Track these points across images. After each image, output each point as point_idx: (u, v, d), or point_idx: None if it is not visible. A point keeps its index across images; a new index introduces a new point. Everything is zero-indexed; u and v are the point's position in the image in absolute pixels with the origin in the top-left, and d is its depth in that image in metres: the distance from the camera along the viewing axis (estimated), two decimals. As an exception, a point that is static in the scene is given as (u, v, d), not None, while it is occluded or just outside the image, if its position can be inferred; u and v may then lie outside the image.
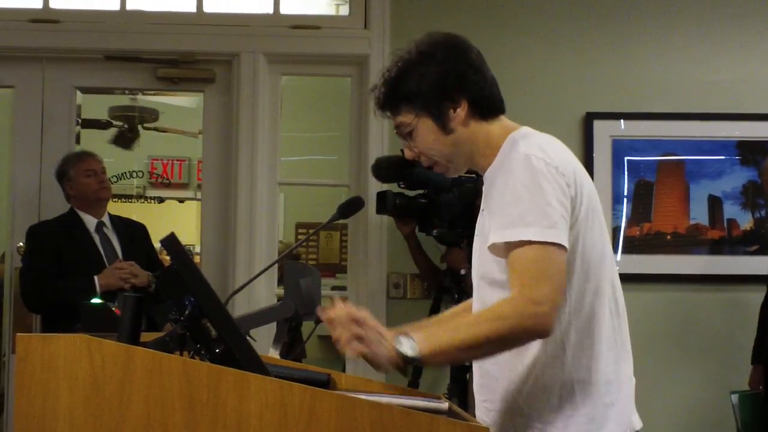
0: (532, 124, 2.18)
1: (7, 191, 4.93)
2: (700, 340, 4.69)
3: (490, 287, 2.10)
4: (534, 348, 2.03)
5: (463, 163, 2.17)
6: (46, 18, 4.71)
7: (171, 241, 1.82)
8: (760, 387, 4.45)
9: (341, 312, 1.91)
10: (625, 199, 4.70)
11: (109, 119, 7.58)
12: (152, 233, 4.60)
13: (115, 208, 4.89)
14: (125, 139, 7.67)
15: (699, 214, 4.71)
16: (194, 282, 1.83)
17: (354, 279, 4.75)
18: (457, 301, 4.10)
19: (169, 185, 8.73)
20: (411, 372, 4.00)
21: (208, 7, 4.79)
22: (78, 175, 4.40)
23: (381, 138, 4.61)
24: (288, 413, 1.70)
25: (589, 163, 4.61)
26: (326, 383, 2.21)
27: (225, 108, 4.77)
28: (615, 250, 4.58)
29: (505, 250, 1.99)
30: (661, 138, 4.71)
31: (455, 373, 4.03)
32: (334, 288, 6.38)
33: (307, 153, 7.36)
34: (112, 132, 7.68)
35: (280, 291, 4.02)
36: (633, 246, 4.68)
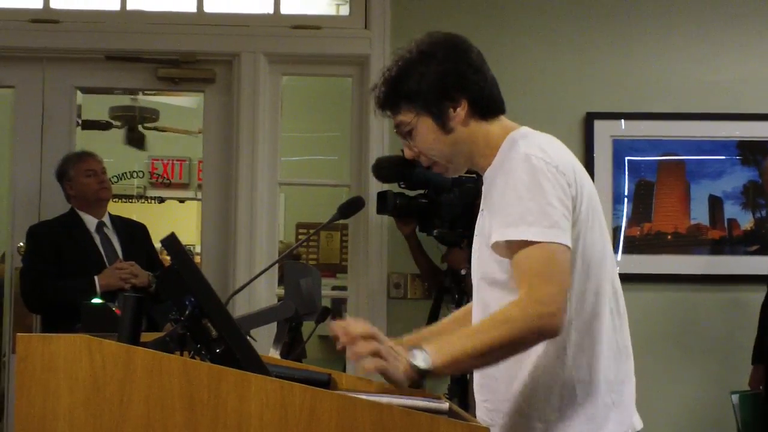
0: (532, 124, 2.18)
1: (8, 191, 4.93)
2: (701, 340, 4.69)
3: (491, 287, 2.10)
4: (534, 348, 2.03)
5: (462, 164, 2.17)
6: (46, 18, 4.71)
7: (171, 241, 1.82)
8: (761, 387, 4.44)
9: (355, 329, 1.90)
10: (626, 199, 4.70)
11: (109, 119, 7.58)
12: (152, 233, 4.60)
13: (115, 208, 4.89)
14: (136, 140, 7.67)
15: (699, 214, 4.70)
16: (195, 282, 1.83)
17: (354, 279, 4.75)
18: (458, 301, 4.11)
19: (169, 185, 8.72)
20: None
21: (209, 7, 4.79)
22: (78, 175, 4.40)
23: (381, 138, 4.61)
24: (288, 413, 1.70)
25: (589, 163, 4.61)
26: (327, 383, 2.21)
27: (225, 108, 4.77)
28: (615, 250, 4.58)
29: (507, 249, 1.99)
30: (662, 138, 4.71)
31: (455, 374, 4.03)
32: (334, 288, 6.38)
33: (308, 153, 7.35)
34: (121, 133, 7.68)
35: (281, 291, 4.02)
36: (633, 246, 4.68)
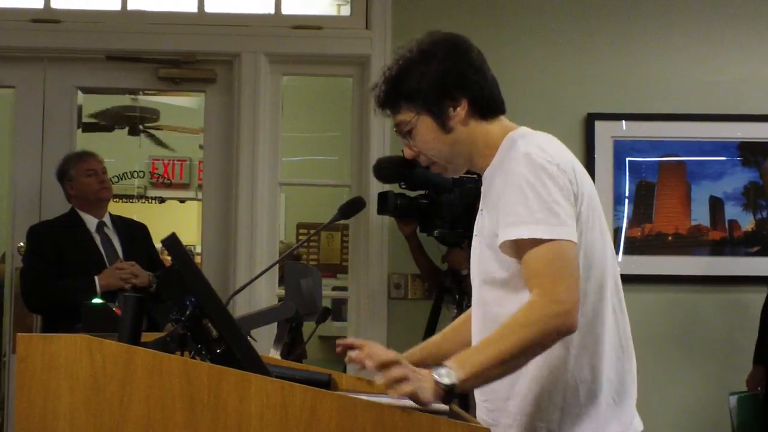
0: (533, 124, 2.18)
1: (8, 191, 4.93)
2: (701, 341, 4.69)
3: (490, 287, 2.10)
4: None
5: (462, 164, 2.17)
6: (47, 18, 4.71)
7: (172, 241, 1.82)
8: (759, 388, 4.44)
9: (380, 356, 1.88)
10: (627, 200, 4.70)
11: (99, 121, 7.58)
12: (153, 233, 4.60)
13: (116, 208, 4.89)
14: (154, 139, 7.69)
15: (700, 215, 4.70)
16: (195, 282, 1.83)
17: (355, 279, 4.75)
18: (458, 302, 4.11)
19: (170, 185, 8.73)
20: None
21: (210, 7, 4.79)
22: (79, 174, 4.39)
23: (382, 138, 4.61)
24: (289, 414, 1.70)
25: (590, 164, 4.61)
26: (327, 384, 2.21)
27: (226, 108, 4.77)
28: (616, 251, 4.57)
29: (513, 248, 2.00)
30: (663, 139, 4.71)
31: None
32: (335, 288, 6.39)
33: (309, 153, 7.36)
34: (122, 133, 7.70)
35: (281, 291, 4.02)
36: (634, 247, 4.68)
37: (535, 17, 4.75)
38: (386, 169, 4.23)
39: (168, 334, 1.87)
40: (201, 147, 5.08)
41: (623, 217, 4.69)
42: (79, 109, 4.91)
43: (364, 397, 1.85)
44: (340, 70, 4.88)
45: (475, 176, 2.20)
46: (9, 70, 4.75)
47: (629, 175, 4.70)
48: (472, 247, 2.20)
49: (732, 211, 4.71)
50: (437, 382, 1.83)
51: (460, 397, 3.51)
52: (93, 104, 7.06)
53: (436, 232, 4.22)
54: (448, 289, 4.26)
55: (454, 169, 2.20)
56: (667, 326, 4.68)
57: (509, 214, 1.99)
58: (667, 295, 4.70)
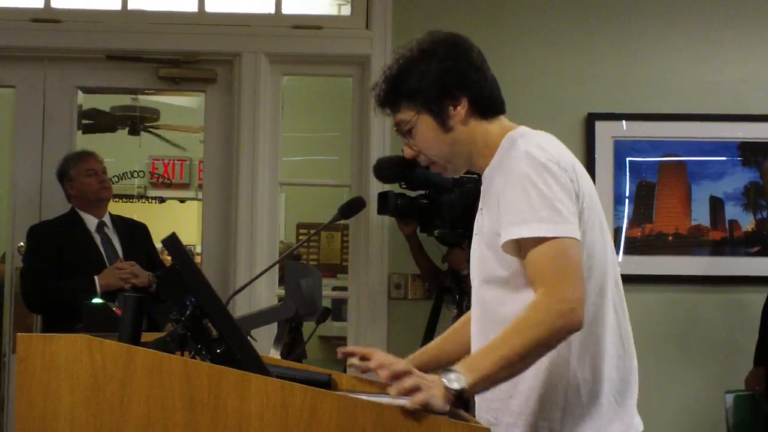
0: (533, 124, 2.19)
1: (8, 191, 4.93)
2: (702, 341, 4.69)
3: (489, 286, 2.10)
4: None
5: (462, 163, 2.18)
6: (47, 17, 4.71)
7: (172, 241, 1.82)
8: (756, 388, 4.44)
9: (391, 366, 1.87)
10: (627, 200, 4.70)
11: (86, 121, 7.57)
12: (153, 233, 4.60)
13: (116, 208, 4.89)
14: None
15: (700, 215, 4.70)
16: (195, 282, 1.83)
17: (355, 279, 4.75)
18: (458, 302, 4.11)
19: (170, 185, 8.74)
20: None
21: (210, 7, 4.79)
22: (79, 174, 4.39)
23: (382, 138, 4.61)
24: (289, 414, 1.69)
25: (590, 164, 4.61)
26: (327, 384, 2.21)
27: (226, 108, 4.77)
28: (616, 251, 4.56)
29: (515, 247, 2.00)
30: (663, 139, 4.71)
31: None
32: (335, 288, 6.39)
33: (309, 153, 7.36)
34: (122, 132, 7.70)
35: (281, 291, 4.02)
36: (634, 247, 4.68)
37: (535, 17, 4.75)
38: (386, 169, 4.23)
39: (168, 334, 1.87)
40: (201, 141, 5.08)
41: (623, 217, 4.69)
42: (80, 108, 4.91)
43: (364, 397, 1.85)
44: (341, 70, 4.88)
45: (475, 176, 2.20)
46: (9, 70, 4.75)
47: (629, 175, 4.70)
48: (471, 247, 2.20)
49: (732, 211, 4.71)
50: (447, 388, 1.83)
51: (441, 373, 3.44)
52: (93, 104, 7.07)
53: (436, 232, 4.22)
54: (449, 289, 4.26)
55: (454, 169, 2.20)
56: (668, 326, 4.68)
57: (511, 213, 1.99)
58: (667, 295, 4.70)
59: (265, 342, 2.73)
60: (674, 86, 4.74)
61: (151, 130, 7.88)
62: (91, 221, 4.39)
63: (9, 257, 4.77)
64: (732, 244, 4.70)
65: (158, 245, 4.46)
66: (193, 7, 4.79)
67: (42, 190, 4.70)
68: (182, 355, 1.83)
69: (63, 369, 1.72)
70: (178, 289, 1.82)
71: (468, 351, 2.18)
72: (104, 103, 7.51)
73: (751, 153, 4.72)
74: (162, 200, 8.75)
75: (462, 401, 1.85)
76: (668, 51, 4.76)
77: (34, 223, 4.47)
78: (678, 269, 4.67)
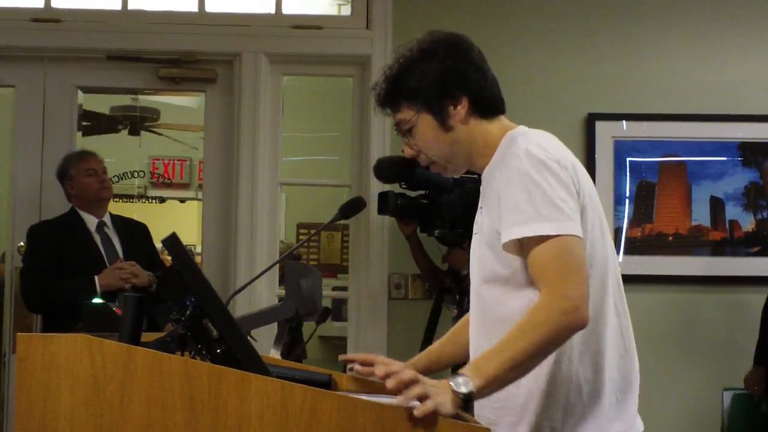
0: (533, 124, 2.19)
1: (8, 191, 4.93)
2: (702, 341, 4.69)
3: (490, 285, 2.10)
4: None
5: (461, 163, 2.18)
6: (47, 17, 4.71)
7: (172, 241, 1.82)
8: (755, 388, 4.44)
9: (400, 375, 1.86)
10: (627, 200, 4.70)
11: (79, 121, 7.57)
12: (153, 233, 4.60)
13: (116, 207, 4.89)
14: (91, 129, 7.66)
15: (701, 216, 4.70)
16: (195, 282, 1.83)
17: (355, 279, 4.75)
18: (458, 302, 4.11)
19: (170, 185, 8.74)
20: None
21: (210, 7, 4.79)
22: (79, 174, 4.39)
23: (383, 138, 4.61)
24: (289, 414, 1.69)
25: (590, 164, 4.61)
26: (327, 384, 2.21)
27: (226, 108, 4.77)
28: (617, 251, 4.57)
29: (517, 246, 2.00)
30: (663, 139, 4.70)
31: (457, 368, 4.02)
32: (335, 288, 6.39)
33: (309, 153, 7.36)
34: (122, 132, 7.70)
35: (281, 291, 4.02)
36: (635, 247, 4.68)
37: (535, 17, 4.75)
38: (386, 169, 4.23)
39: (168, 334, 1.87)
40: (202, 138, 5.08)
41: (624, 217, 4.69)
42: (80, 108, 4.91)
43: (364, 397, 1.84)
44: (341, 70, 4.88)
45: (475, 176, 2.20)
46: (9, 70, 4.75)
47: (630, 176, 4.70)
48: (471, 246, 2.20)
49: (732, 211, 4.71)
50: (455, 392, 1.83)
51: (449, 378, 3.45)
52: (93, 104, 7.07)
53: (436, 232, 4.22)
54: (449, 289, 4.26)
55: (454, 169, 2.20)
56: (668, 326, 4.68)
57: (513, 212, 1.99)
58: (667, 295, 4.70)
59: (265, 342, 2.73)
60: (674, 86, 4.74)
61: (153, 129, 7.88)
62: (91, 221, 4.39)
63: (9, 257, 4.77)
64: (732, 244, 4.70)
65: (158, 245, 4.45)
66: (193, 7, 4.79)
67: (42, 190, 4.70)
68: (182, 355, 1.83)
69: (63, 369, 1.71)
70: (178, 289, 1.82)
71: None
72: (104, 103, 7.51)
73: (751, 153, 4.72)
74: (162, 200, 8.75)
75: (470, 405, 1.85)
76: (668, 51, 4.75)
77: (34, 223, 4.47)
78: (678, 269, 4.67)
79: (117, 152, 7.74)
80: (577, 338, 2.02)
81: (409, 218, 4.32)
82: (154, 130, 7.92)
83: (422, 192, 4.30)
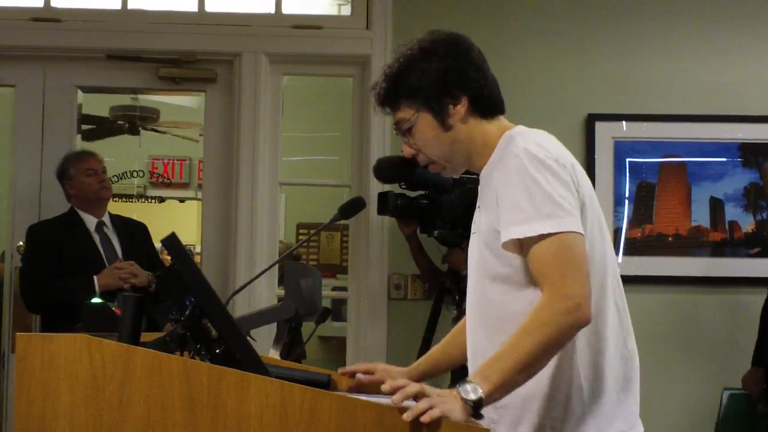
0: (533, 125, 2.18)
1: (8, 190, 4.93)
2: (702, 342, 4.69)
3: (492, 282, 2.09)
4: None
5: (461, 163, 2.18)
6: (47, 17, 4.71)
7: (172, 241, 1.82)
8: (754, 389, 4.44)
9: (406, 390, 1.84)
10: (627, 201, 4.69)
11: (110, 119, 7.60)
12: (153, 233, 4.59)
13: (115, 207, 4.89)
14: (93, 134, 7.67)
15: (700, 216, 4.70)
16: (195, 282, 1.83)
17: (355, 280, 4.75)
18: (458, 302, 4.11)
19: (169, 185, 8.73)
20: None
21: (210, 7, 4.79)
22: (78, 174, 4.39)
23: (383, 138, 4.61)
24: (288, 414, 1.69)
25: (590, 165, 4.61)
26: (327, 384, 2.21)
27: (226, 108, 4.77)
28: (616, 252, 4.57)
29: (517, 245, 2.00)
30: (663, 140, 4.70)
31: (456, 372, 4.02)
32: (334, 289, 6.39)
33: (309, 153, 7.36)
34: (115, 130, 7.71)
35: (281, 291, 4.02)
36: (634, 248, 4.68)
37: (535, 17, 4.75)
38: (386, 170, 4.23)
39: (167, 334, 1.87)
40: (201, 135, 5.07)
41: (623, 217, 4.69)
42: (80, 109, 4.90)
43: (363, 397, 1.84)
44: (341, 70, 4.88)
45: (475, 176, 2.20)
46: (9, 69, 4.75)
47: (629, 176, 4.69)
48: (469, 245, 2.20)
49: (732, 212, 4.71)
50: (465, 400, 1.82)
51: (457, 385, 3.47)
52: (93, 103, 7.06)
53: (436, 232, 4.22)
54: (448, 290, 4.26)
55: (453, 169, 2.20)
56: (668, 327, 4.68)
57: (512, 211, 1.99)
58: (667, 296, 4.70)
59: (264, 342, 2.74)
60: (674, 87, 4.74)
61: (155, 128, 7.88)
62: (90, 221, 4.38)
63: (8, 257, 4.77)
64: (732, 245, 4.70)
65: (158, 245, 4.45)
66: (193, 7, 4.79)
67: (42, 190, 4.70)
68: (182, 355, 1.83)
69: (62, 369, 1.71)
70: (178, 289, 1.82)
71: None
72: (104, 103, 7.51)
73: (751, 154, 4.72)
74: (161, 200, 8.75)
75: (480, 409, 1.85)
76: (668, 52, 4.75)
77: (34, 223, 4.47)
78: (678, 270, 4.67)
79: (116, 152, 7.74)
80: (578, 337, 2.02)
81: (409, 218, 4.32)
82: (155, 128, 7.92)
83: (422, 192, 4.30)
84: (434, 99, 2.10)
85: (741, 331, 4.59)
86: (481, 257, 2.11)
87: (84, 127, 7.18)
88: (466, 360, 2.23)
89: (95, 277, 4.18)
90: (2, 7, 4.80)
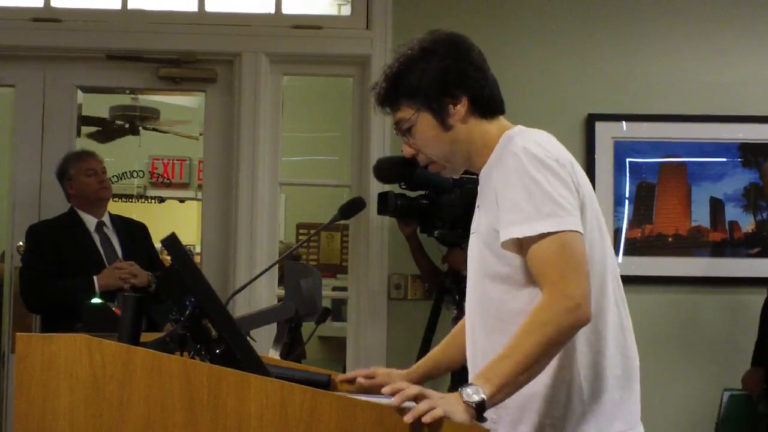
0: (533, 125, 2.18)
1: (8, 190, 4.93)
2: (702, 342, 4.69)
3: (493, 282, 2.09)
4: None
5: (460, 163, 2.18)
6: (47, 17, 4.71)
7: (172, 241, 1.82)
8: (754, 389, 4.43)
9: (405, 392, 1.84)
10: (627, 201, 4.69)
11: (110, 119, 7.60)
12: (153, 233, 4.59)
13: (115, 207, 4.89)
14: (107, 135, 7.67)
15: (700, 216, 4.70)
16: (195, 282, 1.83)
17: (355, 280, 4.75)
18: (458, 302, 4.11)
19: (169, 185, 8.73)
20: None
21: (210, 7, 4.79)
22: (78, 174, 4.39)
23: (383, 138, 4.61)
24: (288, 414, 1.69)
25: (590, 165, 4.61)
26: (326, 384, 2.21)
27: (226, 108, 4.77)
28: (616, 252, 4.58)
29: (516, 245, 2.00)
30: (663, 140, 4.70)
31: (456, 373, 4.02)
32: (334, 289, 6.39)
33: (309, 153, 7.36)
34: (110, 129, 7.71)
35: (281, 291, 4.02)
36: (634, 248, 4.68)
37: (535, 17, 4.75)
38: (386, 170, 4.23)
39: (167, 334, 1.87)
40: (201, 134, 5.07)
41: (623, 218, 4.69)
42: (79, 108, 4.90)
43: (364, 397, 1.84)
44: (341, 70, 4.88)
45: (475, 176, 2.21)
46: (9, 69, 4.74)
47: (629, 176, 4.69)
48: (469, 245, 2.20)
49: (732, 212, 4.71)
50: (467, 402, 1.82)
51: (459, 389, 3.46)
52: (93, 103, 7.06)
53: (436, 232, 4.22)
54: (448, 290, 4.26)
55: (453, 168, 2.20)
56: (668, 327, 4.68)
57: (511, 211, 1.99)
58: (667, 296, 4.70)
59: (264, 342, 2.74)
60: (674, 87, 4.74)
61: (155, 128, 7.88)
62: (90, 221, 4.38)
63: (8, 257, 4.77)
64: (732, 245, 4.70)
65: (158, 245, 4.45)
66: (193, 7, 4.79)
67: (41, 190, 4.70)
68: (182, 355, 1.83)
69: (62, 369, 1.71)
70: (178, 289, 1.82)
71: None
72: (104, 103, 7.51)
73: (751, 154, 4.72)
74: (161, 200, 8.74)
75: (483, 413, 1.85)
76: (668, 52, 4.75)
77: (34, 223, 4.47)
78: (678, 270, 4.67)
79: (116, 152, 7.74)
80: (578, 337, 2.02)
81: (409, 218, 4.32)
82: (155, 128, 7.92)
83: (422, 192, 4.30)
84: (434, 99, 2.10)
85: (741, 331, 4.59)
86: (481, 257, 2.11)
87: (93, 129, 7.21)
88: (466, 361, 2.23)
89: (95, 278, 4.18)
90: (2, 7, 4.80)
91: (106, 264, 4.27)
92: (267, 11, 4.82)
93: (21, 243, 4.53)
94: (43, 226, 4.42)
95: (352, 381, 2.26)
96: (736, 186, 4.71)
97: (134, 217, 4.79)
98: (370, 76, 4.54)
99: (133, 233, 4.53)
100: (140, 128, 7.80)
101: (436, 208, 4.21)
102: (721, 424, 4.47)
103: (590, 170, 4.54)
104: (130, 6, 4.77)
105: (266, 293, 4.63)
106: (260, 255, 4.63)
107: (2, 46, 4.69)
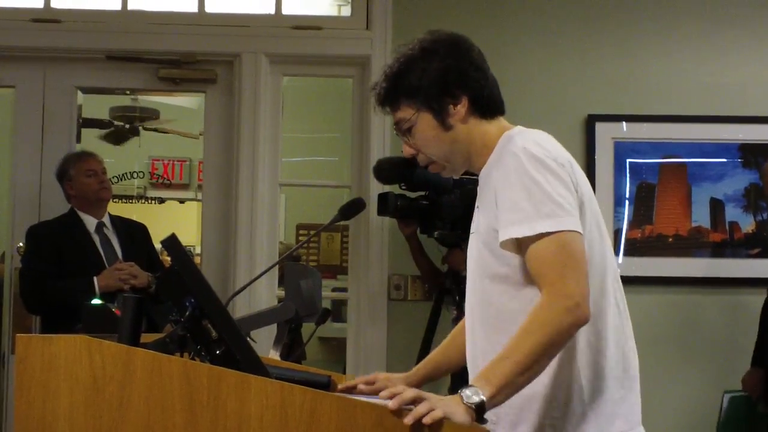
0: (533, 125, 2.18)
1: (8, 191, 4.93)
2: (702, 342, 4.69)
3: (492, 282, 2.09)
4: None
5: (460, 163, 2.18)
6: (47, 18, 4.71)
7: (172, 242, 1.82)
8: (753, 389, 4.43)
9: (403, 395, 1.83)
10: (627, 202, 4.69)
11: (109, 119, 7.60)
12: (153, 234, 4.59)
13: (115, 208, 4.89)
14: (119, 137, 7.68)
15: (701, 217, 4.70)
16: (195, 283, 1.82)
17: (355, 280, 4.75)
18: (458, 303, 4.11)
19: (169, 186, 8.74)
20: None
21: (210, 8, 4.79)
22: (78, 175, 4.39)
23: (383, 139, 4.61)
24: (288, 415, 1.69)
25: (590, 166, 4.60)
26: (327, 385, 2.20)
27: (226, 108, 4.77)
28: (616, 252, 4.58)
29: (515, 245, 2.00)
30: (663, 140, 4.70)
31: (456, 375, 4.02)
32: (334, 289, 6.39)
33: (309, 154, 7.36)
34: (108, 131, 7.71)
35: (281, 292, 4.02)
36: (634, 248, 4.68)
37: (535, 17, 4.75)
38: (386, 170, 4.23)
39: (167, 335, 1.87)
40: (201, 134, 5.07)
41: (623, 218, 4.69)
42: (79, 108, 4.90)
43: (364, 398, 1.84)
44: (341, 71, 4.88)
45: (475, 177, 2.21)
46: (9, 70, 4.74)
47: (629, 177, 4.69)
48: (468, 246, 2.20)
49: (732, 212, 4.71)
50: (467, 404, 1.82)
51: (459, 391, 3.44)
52: (93, 104, 7.06)
53: (436, 233, 4.22)
54: (449, 291, 4.25)
55: (452, 169, 2.20)
56: (668, 328, 4.68)
57: (511, 210, 1.99)
58: (667, 296, 4.70)
59: (264, 343, 2.74)
60: (675, 88, 4.74)
61: (155, 128, 7.89)
62: (90, 222, 4.38)
63: (8, 257, 4.77)
64: (732, 245, 4.70)
65: (158, 246, 4.45)
66: (193, 8, 4.79)
67: (41, 190, 4.70)
68: (182, 356, 1.83)
69: (62, 370, 1.71)
70: (178, 290, 1.82)
71: None
72: (104, 103, 7.51)
73: (751, 154, 4.72)
74: (161, 201, 8.75)
75: (483, 415, 1.85)
76: (668, 52, 4.75)
77: (33, 224, 4.47)
78: (678, 271, 4.67)
79: (116, 153, 7.74)
80: (578, 337, 2.02)
81: (409, 219, 4.32)
82: (155, 128, 7.92)
83: (422, 193, 4.30)
84: (434, 99, 2.11)
85: (741, 331, 4.59)
86: (480, 257, 2.11)
87: (103, 131, 7.22)
88: (464, 363, 2.23)
89: (95, 278, 4.18)
90: (2, 7, 4.80)
91: (106, 265, 4.27)
92: (267, 12, 4.82)
93: (21, 244, 4.53)
94: (43, 227, 4.41)
95: (352, 389, 2.26)
96: (736, 186, 4.71)
97: (134, 217, 4.79)
98: (370, 77, 4.54)
99: (133, 234, 4.52)
100: (140, 129, 7.80)
101: (436, 208, 4.21)
102: (721, 427, 4.47)
103: (590, 171, 4.54)
104: (130, 7, 4.77)
105: (266, 294, 4.63)
106: (260, 256, 4.63)
107: (2, 46, 4.69)
